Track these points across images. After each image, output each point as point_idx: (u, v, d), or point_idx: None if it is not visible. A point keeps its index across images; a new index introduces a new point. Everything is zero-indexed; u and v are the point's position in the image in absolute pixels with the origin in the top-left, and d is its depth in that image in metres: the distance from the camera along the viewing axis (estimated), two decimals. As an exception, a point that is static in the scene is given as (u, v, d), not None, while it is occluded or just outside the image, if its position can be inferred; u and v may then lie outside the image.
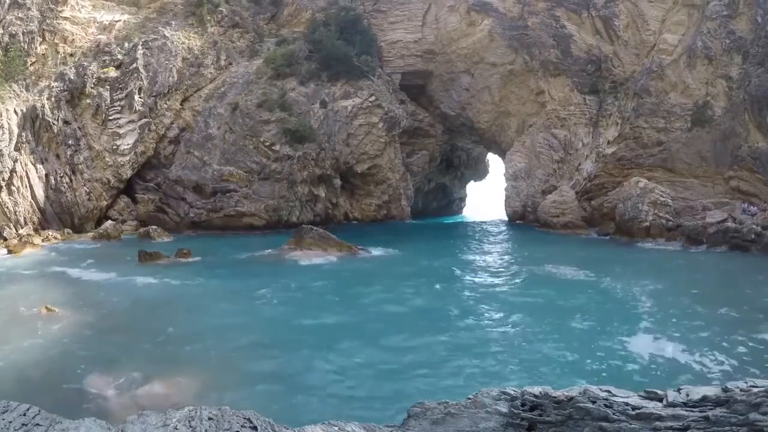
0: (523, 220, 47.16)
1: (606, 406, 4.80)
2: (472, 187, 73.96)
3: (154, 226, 38.74)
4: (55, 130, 39.66)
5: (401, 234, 41.05)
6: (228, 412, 4.88)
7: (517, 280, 22.92)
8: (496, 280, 23.00)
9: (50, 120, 39.40)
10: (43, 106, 39.13)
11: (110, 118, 41.99)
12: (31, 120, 38.63)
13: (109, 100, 41.85)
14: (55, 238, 34.68)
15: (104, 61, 42.82)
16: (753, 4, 37.75)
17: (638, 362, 12.08)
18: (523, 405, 5.27)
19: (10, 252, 28.92)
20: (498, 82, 49.40)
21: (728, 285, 21.12)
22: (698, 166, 39.55)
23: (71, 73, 41.16)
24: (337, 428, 5.05)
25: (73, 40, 42.96)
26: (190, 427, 4.53)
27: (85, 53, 43.02)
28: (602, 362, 12.21)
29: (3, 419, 4.29)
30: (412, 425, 5.42)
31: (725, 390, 4.51)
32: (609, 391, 5.03)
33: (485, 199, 73.92)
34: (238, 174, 42.32)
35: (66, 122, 40.52)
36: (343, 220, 47.03)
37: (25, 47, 39.86)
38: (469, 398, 5.67)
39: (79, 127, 41.25)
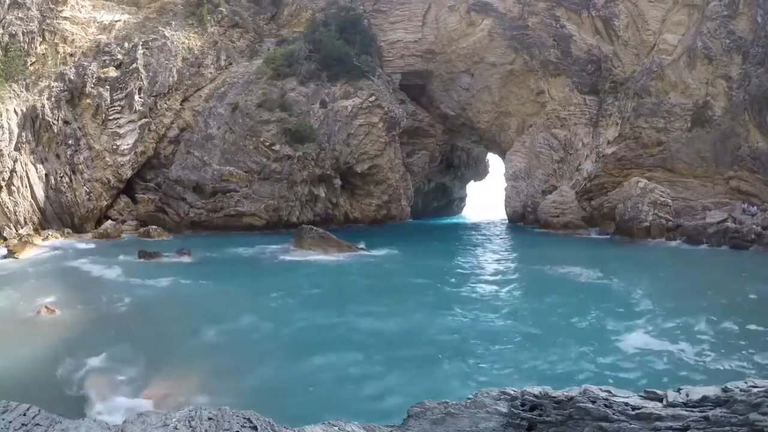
0: (523, 221, 47.09)
1: (606, 406, 4.80)
2: (472, 187, 74.06)
3: (154, 226, 38.80)
4: (55, 130, 39.66)
5: (401, 234, 41.06)
6: (228, 412, 4.89)
7: (513, 278, 22.94)
8: (496, 280, 23.00)
9: (50, 120, 39.40)
10: (43, 106, 39.13)
11: (110, 118, 42.00)
12: (31, 120, 38.64)
13: (109, 100, 41.84)
14: (55, 238, 34.68)
15: (104, 61, 42.81)
16: (753, 4, 37.75)
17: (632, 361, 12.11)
18: (523, 405, 5.27)
19: (10, 252, 28.88)
20: (498, 82, 49.40)
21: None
22: (698, 166, 39.55)
23: (71, 73, 41.16)
24: (337, 428, 5.05)
25: (73, 40, 42.95)
26: (190, 427, 4.54)
27: (85, 53, 43.01)
28: (600, 362, 12.23)
29: (3, 419, 4.30)
30: (412, 425, 5.42)
31: (725, 390, 4.51)
32: (609, 391, 5.03)
33: (485, 199, 73.92)
34: (238, 174, 42.33)
35: (66, 122, 40.52)
36: (343, 220, 47.02)
37: (25, 47, 39.84)
38: (469, 398, 5.67)
39: (79, 127, 41.24)
